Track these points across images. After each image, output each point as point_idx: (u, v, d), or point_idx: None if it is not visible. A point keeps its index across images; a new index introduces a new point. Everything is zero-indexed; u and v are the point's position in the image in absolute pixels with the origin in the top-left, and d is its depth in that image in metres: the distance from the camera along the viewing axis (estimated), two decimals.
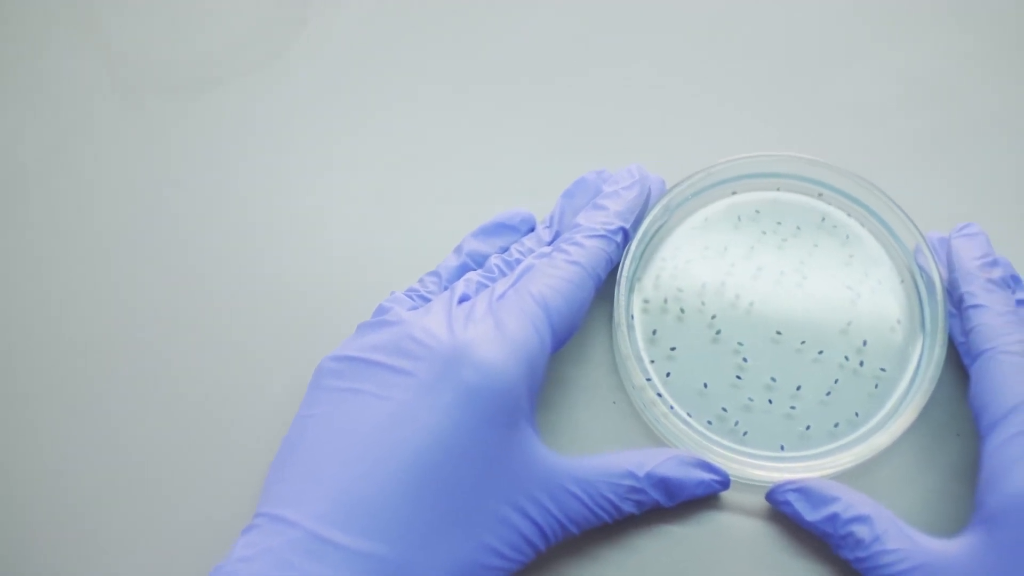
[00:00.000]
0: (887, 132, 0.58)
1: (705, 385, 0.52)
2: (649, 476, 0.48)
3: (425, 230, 0.56)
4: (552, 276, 0.49)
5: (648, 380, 0.52)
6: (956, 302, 0.51)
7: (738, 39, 0.61)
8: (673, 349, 0.52)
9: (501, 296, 0.48)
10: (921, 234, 0.53)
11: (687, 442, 0.50)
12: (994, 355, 0.48)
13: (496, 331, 0.47)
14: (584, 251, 0.50)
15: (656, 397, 0.50)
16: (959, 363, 0.51)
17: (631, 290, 0.53)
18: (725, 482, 0.49)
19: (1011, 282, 0.51)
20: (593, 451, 0.49)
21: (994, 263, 0.51)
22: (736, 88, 0.60)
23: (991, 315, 0.49)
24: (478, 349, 0.46)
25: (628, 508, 0.48)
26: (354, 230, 0.57)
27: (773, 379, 0.52)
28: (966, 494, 0.49)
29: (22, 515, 0.51)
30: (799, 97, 0.60)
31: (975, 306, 0.49)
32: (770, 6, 0.62)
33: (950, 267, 0.52)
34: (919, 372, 0.51)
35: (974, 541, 0.45)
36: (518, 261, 0.51)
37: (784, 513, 0.49)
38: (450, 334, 0.47)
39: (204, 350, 0.54)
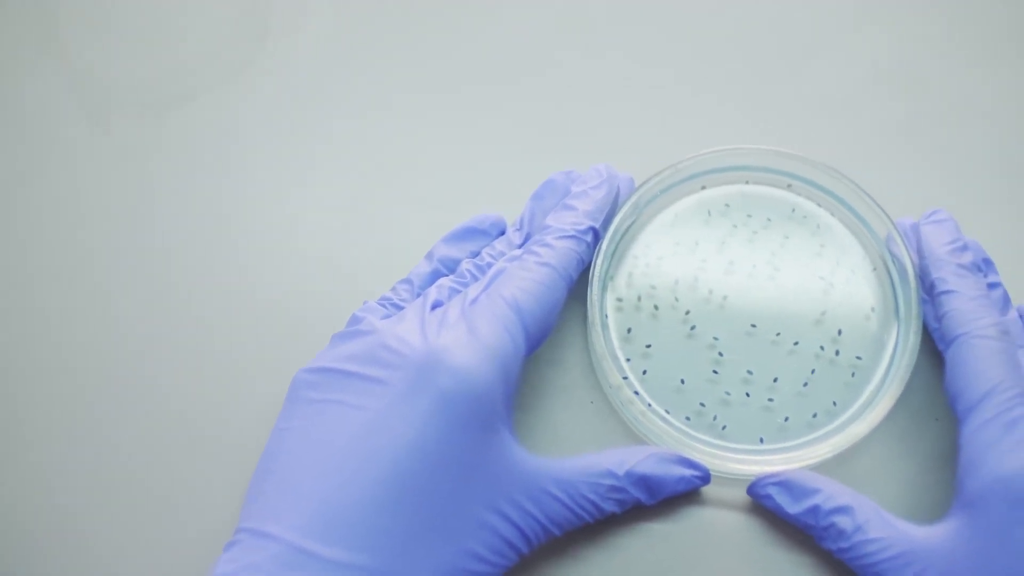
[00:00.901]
0: (854, 121, 0.58)
1: (682, 381, 0.52)
2: (629, 474, 0.48)
3: (396, 238, 0.56)
4: (523, 279, 0.49)
5: (624, 379, 0.52)
6: (928, 288, 0.51)
7: (705, 32, 0.61)
8: (648, 346, 0.52)
9: (473, 301, 0.48)
10: (892, 221, 0.53)
11: (666, 439, 0.50)
12: (967, 340, 0.48)
13: (469, 336, 0.46)
14: (554, 252, 0.50)
15: (633, 395, 0.50)
16: (934, 349, 0.51)
17: (604, 289, 0.53)
18: (705, 477, 0.49)
19: (982, 265, 0.51)
20: (572, 452, 0.49)
21: (964, 248, 0.51)
22: (703, 82, 0.60)
23: (963, 300, 0.49)
24: (452, 355, 0.46)
25: (609, 507, 0.48)
26: (324, 240, 0.57)
27: (750, 372, 0.52)
28: (946, 480, 0.49)
29: (5, 533, 0.51)
30: (766, 88, 0.60)
31: (947, 292, 0.50)
32: None
33: (920, 254, 0.52)
34: (895, 359, 0.51)
35: (956, 526, 0.46)
36: (489, 265, 0.51)
37: (766, 507, 0.49)
38: (423, 341, 0.47)
39: (180, 366, 0.54)
